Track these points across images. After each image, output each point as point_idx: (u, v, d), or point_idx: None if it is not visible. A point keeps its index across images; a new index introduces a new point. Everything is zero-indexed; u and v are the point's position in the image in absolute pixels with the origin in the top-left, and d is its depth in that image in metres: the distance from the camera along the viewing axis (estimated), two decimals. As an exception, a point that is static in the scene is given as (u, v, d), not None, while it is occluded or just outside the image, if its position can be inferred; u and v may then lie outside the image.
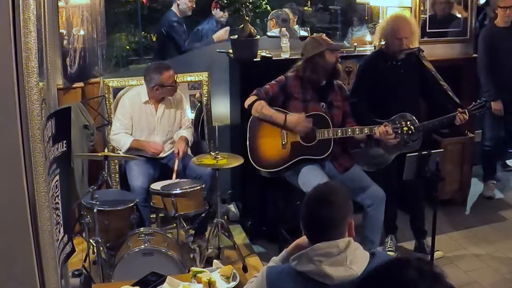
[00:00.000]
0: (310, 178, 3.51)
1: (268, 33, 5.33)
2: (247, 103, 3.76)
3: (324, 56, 3.68)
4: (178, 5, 5.60)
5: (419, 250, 4.11)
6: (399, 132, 3.62)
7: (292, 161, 3.71)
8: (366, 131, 3.66)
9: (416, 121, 3.77)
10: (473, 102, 3.84)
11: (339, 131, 3.68)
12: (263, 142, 3.78)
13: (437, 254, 3.93)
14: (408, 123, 3.63)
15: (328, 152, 3.70)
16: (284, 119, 3.67)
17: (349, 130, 3.68)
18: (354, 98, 3.93)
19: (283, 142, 3.73)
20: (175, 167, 3.94)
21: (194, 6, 5.72)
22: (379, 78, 3.90)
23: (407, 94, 3.92)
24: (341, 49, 3.79)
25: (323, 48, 3.68)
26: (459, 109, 3.77)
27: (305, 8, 7.23)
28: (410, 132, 3.60)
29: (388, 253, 4.01)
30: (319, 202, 1.93)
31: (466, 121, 3.82)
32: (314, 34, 4.45)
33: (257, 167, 3.74)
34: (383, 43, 4.04)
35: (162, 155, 4.13)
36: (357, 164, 3.88)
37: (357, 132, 3.68)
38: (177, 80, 4.14)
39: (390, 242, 4.13)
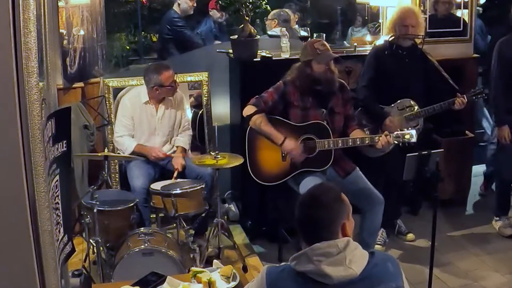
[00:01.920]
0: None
1: (269, 32, 5.33)
2: (245, 113, 3.73)
3: (311, 66, 3.65)
4: (179, 4, 5.57)
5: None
6: (401, 141, 3.61)
7: (293, 174, 3.71)
8: (368, 141, 3.65)
9: (417, 106, 4.06)
10: (472, 90, 4.08)
11: (340, 142, 3.65)
12: (262, 154, 3.76)
13: (409, 237, 4.36)
14: (410, 129, 3.64)
15: (329, 164, 3.69)
16: (281, 142, 3.64)
17: (350, 140, 3.66)
18: (362, 83, 4.16)
19: (283, 154, 3.71)
20: (174, 176, 3.94)
21: (195, 4, 5.72)
22: (385, 66, 4.12)
23: (411, 82, 4.13)
24: (330, 59, 3.65)
25: (310, 57, 3.64)
26: (458, 94, 4.02)
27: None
28: (411, 139, 3.60)
29: (376, 246, 4.04)
30: (309, 202, 1.94)
31: (466, 107, 4.08)
32: (315, 35, 4.46)
33: (257, 180, 3.74)
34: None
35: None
36: (359, 150, 3.93)
37: (358, 143, 3.66)
38: (177, 80, 4.13)
39: (380, 236, 4.16)
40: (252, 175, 3.75)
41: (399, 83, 4.09)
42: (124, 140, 4.05)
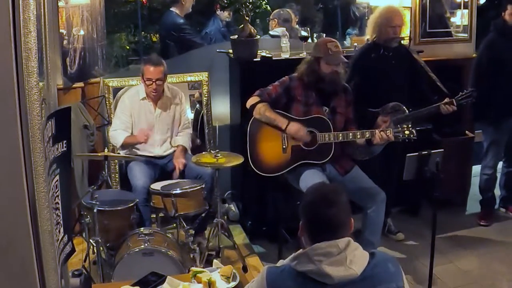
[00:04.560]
0: (311, 182, 3.49)
1: (271, 32, 5.32)
2: (249, 103, 3.75)
3: (319, 64, 3.66)
4: (183, 4, 5.44)
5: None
6: (400, 136, 3.61)
7: (293, 166, 3.71)
8: (367, 135, 3.65)
9: (406, 110, 3.94)
10: (460, 92, 3.91)
11: (340, 135, 3.66)
12: (263, 146, 3.76)
13: (398, 236, 4.37)
14: (410, 126, 3.62)
15: (329, 157, 3.69)
16: (286, 125, 3.66)
17: (350, 134, 3.67)
18: (350, 87, 4.02)
19: (284, 146, 3.72)
20: (175, 174, 3.96)
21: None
22: (371, 68, 4.01)
23: (398, 83, 4.06)
24: (340, 62, 3.67)
25: (320, 55, 3.66)
26: (447, 98, 3.89)
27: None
28: (411, 135, 3.59)
29: None
30: (325, 202, 1.93)
31: (466, 108, 4.04)
32: (315, 35, 4.44)
33: (257, 171, 3.74)
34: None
35: (162, 154, 4.13)
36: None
37: (358, 136, 3.67)
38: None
39: None
40: (252, 166, 3.75)
41: (386, 85, 4.00)
42: (117, 134, 4.06)
